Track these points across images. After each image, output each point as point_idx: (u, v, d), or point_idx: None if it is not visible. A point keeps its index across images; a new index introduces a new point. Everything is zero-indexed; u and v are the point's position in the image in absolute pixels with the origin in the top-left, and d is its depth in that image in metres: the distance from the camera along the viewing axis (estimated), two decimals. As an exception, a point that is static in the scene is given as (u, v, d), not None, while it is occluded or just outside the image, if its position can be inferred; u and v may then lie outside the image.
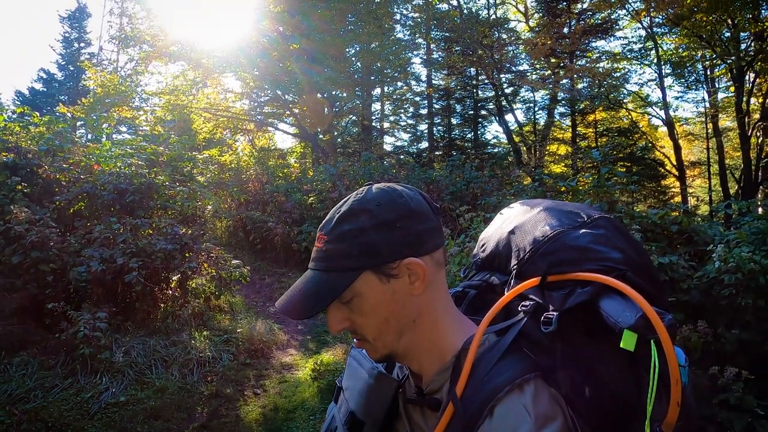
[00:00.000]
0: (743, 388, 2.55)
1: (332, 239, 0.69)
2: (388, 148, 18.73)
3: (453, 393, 0.64)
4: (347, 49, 15.45)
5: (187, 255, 5.34)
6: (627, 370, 0.62)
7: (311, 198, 8.50)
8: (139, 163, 6.08)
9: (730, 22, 9.72)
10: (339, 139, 16.17)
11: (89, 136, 12.24)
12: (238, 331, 5.04)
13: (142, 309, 4.78)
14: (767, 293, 2.87)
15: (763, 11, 9.27)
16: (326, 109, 15.28)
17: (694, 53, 12.06)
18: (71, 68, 23.08)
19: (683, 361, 0.64)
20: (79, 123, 10.84)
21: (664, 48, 12.62)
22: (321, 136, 14.72)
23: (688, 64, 12.61)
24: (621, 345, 0.58)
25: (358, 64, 16.37)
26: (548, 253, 0.71)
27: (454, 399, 0.63)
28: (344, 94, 16.87)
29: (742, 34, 10.05)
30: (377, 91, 18.69)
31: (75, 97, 16.05)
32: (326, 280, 0.68)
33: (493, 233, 0.84)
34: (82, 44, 24.84)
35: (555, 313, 0.64)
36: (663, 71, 12.60)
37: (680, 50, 12.37)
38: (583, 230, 0.72)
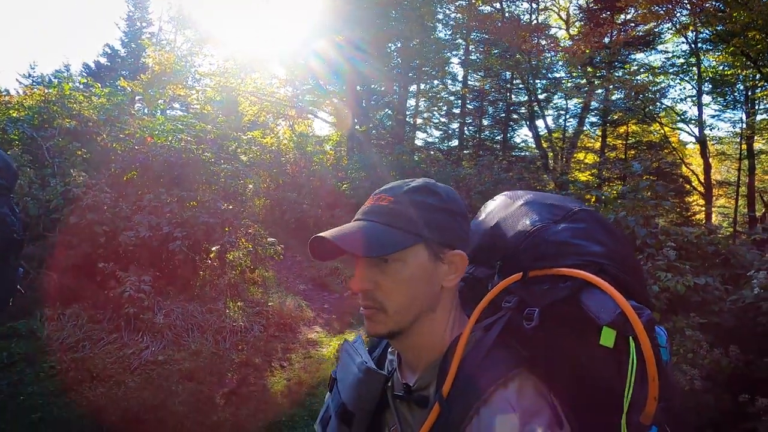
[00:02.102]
0: (775, 418, 2.38)
1: (402, 202, 0.68)
2: (419, 143, 18.51)
3: (439, 394, 0.62)
4: (389, 45, 15.26)
5: (226, 229, 5.39)
6: (608, 362, 0.59)
7: (344, 185, 8.48)
8: (188, 138, 6.14)
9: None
10: (374, 131, 16.04)
11: (145, 110, 12.52)
12: (269, 304, 5.07)
13: (183, 276, 4.85)
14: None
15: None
16: (363, 101, 15.19)
17: (738, 72, 11.35)
18: (133, 46, 23.60)
19: (664, 342, 0.64)
20: (137, 97, 11.07)
21: (706, 65, 11.93)
22: (357, 127, 14.65)
23: (730, 83, 11.89)
24: (600, 342, 0.57)
25: (398, 59, 16.16)
26: (529, 249, 0.69)
27: (440, 400, 0.62)
28: (382, 88, 16.72)
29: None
30: (413, 87, 18.45)
31: (135, 73, 16.40)
32: (388, 233, 0.65)
33: (476, 226, 0.82)
34: (144, 24, 25.34)
35: (536, 309, 0.63)
36: (702, 89, 11.93)
37: (724, 68, 11.65)
38: (563, 225, 0.71)
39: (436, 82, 17.82)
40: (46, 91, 6.30)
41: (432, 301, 0.68)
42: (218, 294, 4.91)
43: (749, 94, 11.96)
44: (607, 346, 0.57)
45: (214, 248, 5.24)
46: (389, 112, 18.01)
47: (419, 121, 19.39)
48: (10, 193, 2.58)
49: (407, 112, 18.47)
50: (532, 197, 0.79)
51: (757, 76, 10.72)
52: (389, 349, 0.82)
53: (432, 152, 17.12)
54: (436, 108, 18.71)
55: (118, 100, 6.72)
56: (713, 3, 10.13)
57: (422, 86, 18.56)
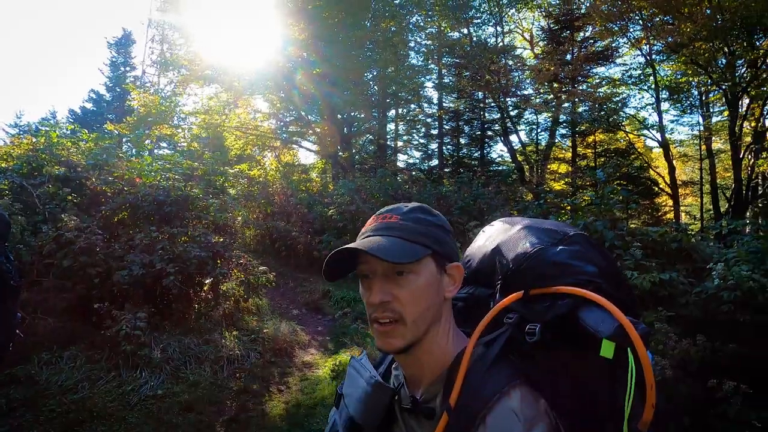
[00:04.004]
0: (741, 401, 2.49)
1: (408, 219, 0.73)
2: (401, 164, 18.82)
3: (447, 404, 0.65)
4: (365, 74, 15.65)
5: (218, 261, 5.41)
6: (604, 373, 0.63)
7: (331, 210, 8.56)
8: (176, 177, 6.20)
9: (726, 50, 9.62)
10: (357, 156, 16.29)
11: (133, 152, 12.54)
12: (264, 331, 5.07)
13: (178, 310, 4.84)
14: (765, 310, 2.81)
15: (757, 40, 9.15)
16: (345, 128, 15.45)
17: (690, 79, 11.93)
18: (118, 90, 23.73)
19: (651, 358, 0.65)
20: (124, 139, 11.11)
21: (662, 74, 12.52)
22: (340, 154, 14.86)
23: (684, 90, 12.48)
24: (600, 353, 0.60)
25: (375, 87, 16.55)
26: (530, 269, 0.72)
27: (448, 410, 0.64)
28: (362, 115, 17.05)
29: (737, 61, 9.92)
30: (392, 112, 18.86)
31: (121, 116, 16.49)
32: (406, 245, 0.69)
33: (477, 250, 0.86)
34: (127, 68, 25.57)
35: (537, 325, 0.66)
36: (660, 96, 12.48)
37: (677, 76, 12.25)
38: (561, 247, 0.74)
39: (413, 106, 18.26)
40: (33, 140, 6.32)
41: (438, 311, 0.71)
42: (214, 325, 4.90)
43: (703, 98, 12.54)
44: (607, 357, 0.59)
45: (207, 281, 5.25)
46: (370, 137, 18.33)
47: (399, 143, 19.76)
48: (5, 242, 2.62)
49: (388, 136, 18.83)
50: (530, 222, 0.82)
51: (709, 82, 11.26)
52: (393, 365, 0.83)
53: (414, 173, 17.41)
54: (414, 130, 19.12)
55: (106, 144, 6.77)
56: (662, 17, 10.73)
57: (400, 111, 18.99)
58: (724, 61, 10.22)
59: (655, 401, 0.58)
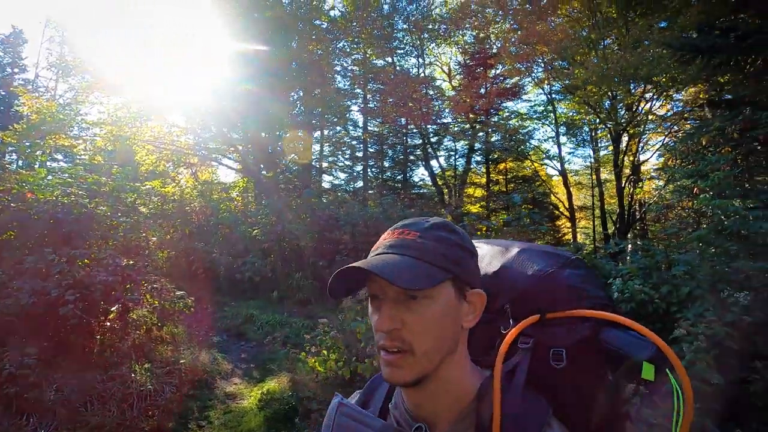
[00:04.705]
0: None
1: (428, 238, 0.64)
2: (326, 185, 18.75)
3: None
4: (291, 94, 15.51)
5: (128, 286, 4.88)
6: (610, 395, 0.66)
7: (255, 231, 8.22)
8: (80, 192, 5.53)
9: (610, 94, 11.14)
10: (281, 176, 15.90)
11: (20, 163, 10.97)
12: (181, 362, 4.63)
13: (77, 343, 4.25)
14: (654, 320, 3.21)
15: (634, 88, 10.74)
16: (270, 147, 15.05)
17: (583, 117, 13.63)
18: (2, 93, 20.78)
19: None
20: (9, 149, 9.66)
21: (560, 111, 14.15)
22: (264, 173, 14.41)
23: (578, 126, 14.22)
24: (642, 376, 0.61)
25: (301, 107, 16.45)
26: (544, 292, 0.70)
27: None
28: (287, 134, 16.78)
29: (619, 104, 11.53)
30: (317, 133, 18.84)
31: (6, 123, 14.39)
32: (422, 267, 0.61)
33: None
34: (16, 69, 22.56)
35: (562, 349, 0.65)
36: (559, 131, 14.06)
37: (572, 114, 13.94)
38: (569, 270, 0.73)
39: (338, 128, 18.42)
40: None
41: (454, 342, 0.64)
42: (121, 358, 4.36)
43: (593, 134, 14.33)
44: (648, 379, 0.60)
45: (113, 308, 4.70)
46: (295, 157, 18.06)
47: (325, 164, 19.72)
48: None
49: (313, 157, 18.70)
50: (525, 245, 0.79)
51: (597, 120, 12.92)
52: (391, 404, 0.72)
53: (339, 194, 17.43)
54: (340, 152, 19.24)
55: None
56: (560, 62, 12.19)
57: (326, 132, 19.04)
58: (608, 103, 11.85)
59: (692, 418, 0.59)
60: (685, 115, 11.65)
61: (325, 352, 3.79)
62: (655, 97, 11.24)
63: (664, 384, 0.61)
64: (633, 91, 10.93)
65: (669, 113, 12.23)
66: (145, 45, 12.22)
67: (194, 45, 12.01)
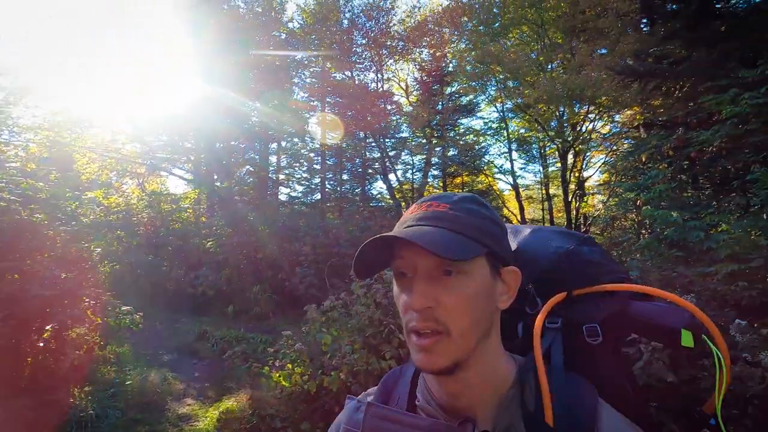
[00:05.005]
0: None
1: (460, 210, 0.59)
2: (283, 198, 18.34)
3: (546, 426, 0.55)
4: (248, 104, 15.17)
5: (66, 302, 4.44)
6: (630, 365, 0.67)
7: (210, 242, 7.83)
8: (12, 198, 5.01)
9: (558, 114, 11.83)
10: (236, 188, 15.38)
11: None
12: (127, 383, 4.26)
13: (4, 366, 3.78)
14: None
15: (579, 108, 11.47)
16: (224, 159, 14.55)
17: (533, 135, 14.34)
18: None
19: None
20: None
21: (513, 129, 14.81)
22: (218, 184, 13.88)
23: (529, 143, 14.93)
24: (682, 343, 0.60)
25: (258, 118, 16.11)
26: (569, 269, 0.69)
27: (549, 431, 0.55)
28: (243, 145, 16.33)
29: (565, 123, 12.25)
30: (274, 144, 18.49)
31: None
32: (458, 239, 0.55)
33: None
34: (-65, 68, 20.42)
35: (595, 325, 0.63)
36: (511, 147, 14.70)
37: (524, 132, 14.64)
38: (587, 247, 0.73)
39: (296, 140, 18.17)
40: None
41: (489, 324, 0.59)
42: (58, 381, 3.94)
43: (542, 151, 15.09)
44: (688, 346, 0.60)
45: (48, 327, 4.24)
46: (251, 168, 17.58)
47: (282, 177, 19.33)
48: None
49: (270, 169, 18.31)
50: (536, 227, 0.78)
51: (546, 138, 13.63)
52: (418, 402, 0.65)
53: (296, 206, 17.11)
54: (297, 164, 18.95)
55: None
56: (512, 82, 12.82)
57: (283, 144, 18.72)
58: (556, 122, 12.58)
59: (729, 381, 0.60)
60: (623, 135, 12.60)
61: (290, 365, 3.61)
62: (597, 117, 12.06)
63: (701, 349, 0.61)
64: (578, 111, 11.67)
65: (609, 134, 13.17)
66: (89, 49, 11.53)
67: (144, 49, 11.48)
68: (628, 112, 11.73)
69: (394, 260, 0.60)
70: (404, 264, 0.58)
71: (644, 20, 9.50)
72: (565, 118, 12.00)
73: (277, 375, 3.50)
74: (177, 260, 7.50)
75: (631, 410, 0.60)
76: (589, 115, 12.01)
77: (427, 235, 0.55)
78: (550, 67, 12.07)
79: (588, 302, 0.66)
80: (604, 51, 10.65)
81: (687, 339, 0.60)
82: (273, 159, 19.18)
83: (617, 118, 12.62)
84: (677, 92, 7.90)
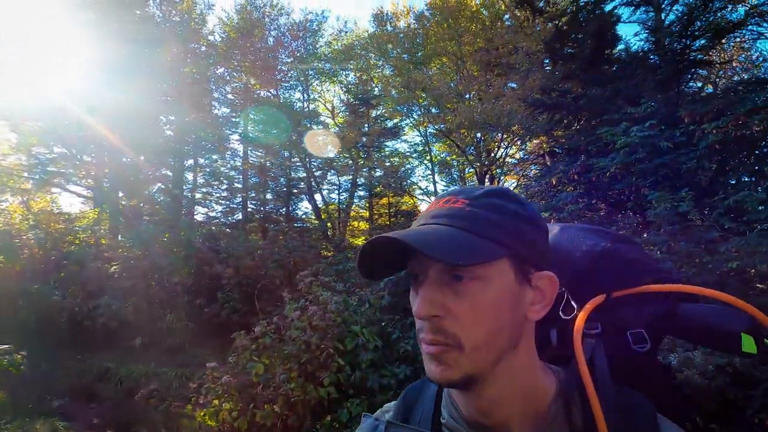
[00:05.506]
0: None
1: (479, 205, 0.52)
2: (199, 218, 17.09)
3: None
4: (161, 117, 14.07)
5: None
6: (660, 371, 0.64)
7: (114, 267, 6.94)
8: None
9: (475, 140, 12.63)
10: (145, 206, 13.99)
11: None
12: (4, 440, 3.49)
13: None
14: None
15: (494, 135, 12.38)
16: (132, 175, 13.20)
17: (454, 158, 15.13)
18: None
19: None
20: None
21: (435, 152, 15.51)
22: (124, 202, 12.53)
23: (450, 166, 15.72)
24: (743, 349, 0.56)
25: (172, 133, 14.98)
26: (604, 269, 0.63)
27: None
28: (154, 161, 15.00)
29: (483, 149, 13.12)
30: (191, 161, 17.29)
31: None
32: (471, 241, 0.49)
33: None
34: None
35: (641, 330, 0.59)
36: (435, 169, 15.35)
37: (445, 156, 15.38)
38: (623, 245, 0.67)
39: (215, 156, 17.19)
40: None
41: (515, 336, 0.52)
42: None
43: (462, 174, 15.96)
44: (750, 353, 0.55)
45: None
46: (162, 186, 16.17)
47: (198, 195, 18.07)
48: None
49: (185, 187, 17.04)
50: (566, 225, 0.72)
51: (465, 162, 14.45)
52: (444, 419, 0.58)
53: (214, 227, 16.03)
54: (216, 182, 17.88)
55: None
56: (434, 109, 13.48)
57: (201, 161, 17.60)
58: (473, 148, 13.43)
59: None
60: (531, 162, 13.84)
61: (216, 401, 3.22)
62: (510, 144, 13.09)
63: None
64: (493, 137, 12.59)
65: (519, 160, 14.36)
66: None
67: (37, 50, 10.13)
68: (535, 141, 12.95)
69: (409, 261, 0.54)
70: (416, 265, 0.53)
71: (547, 60, 10.68)
72: (482, 144, 12.85)
73: (202, 414, 3.10)
74: (72, 288, 6.49)
75: (682, 422, 0.56)
76: (503, 142, 13.01)
77: (431, 236, 0.49)
78: (468, 96, 12.91)
79: (629, 305, 0.61)
80: (514, 85, 11.68)
81: (748, 344, 0.56)
82: (189, 176, 17.93)
83: (526, 146, 13.86)
84: (576, 125, 8.90)
